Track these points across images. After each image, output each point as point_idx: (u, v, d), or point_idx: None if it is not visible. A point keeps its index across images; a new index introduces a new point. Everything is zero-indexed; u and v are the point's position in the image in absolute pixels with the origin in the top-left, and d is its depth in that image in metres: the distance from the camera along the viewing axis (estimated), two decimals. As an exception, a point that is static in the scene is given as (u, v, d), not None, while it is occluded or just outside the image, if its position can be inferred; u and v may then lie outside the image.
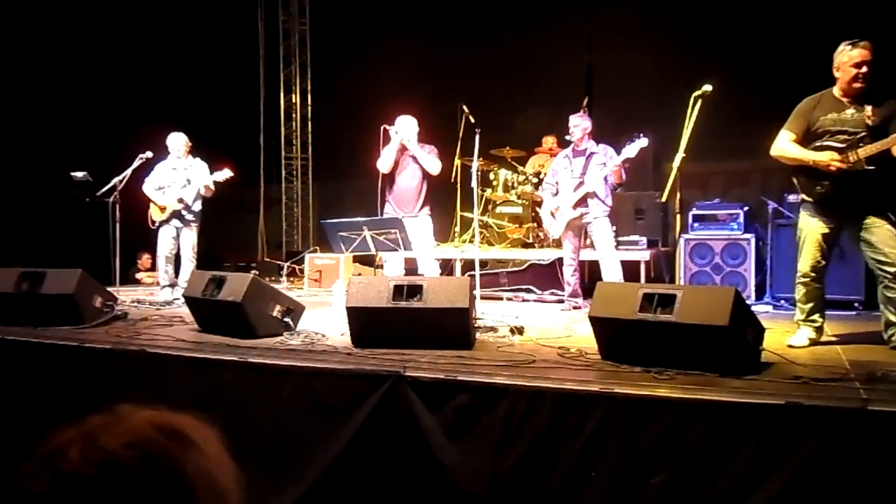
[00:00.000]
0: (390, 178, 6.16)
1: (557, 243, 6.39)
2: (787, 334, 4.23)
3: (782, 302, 5.93)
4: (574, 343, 4.13)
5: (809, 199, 4.09)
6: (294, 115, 11.17)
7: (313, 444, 3.45)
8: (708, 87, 4.64)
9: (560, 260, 6.35)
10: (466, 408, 3.22)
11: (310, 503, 3.39)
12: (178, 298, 6.46)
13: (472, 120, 7.49)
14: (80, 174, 6.89)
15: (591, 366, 3.54)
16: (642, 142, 5.66)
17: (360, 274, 7.57)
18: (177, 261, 6.72)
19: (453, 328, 3.99)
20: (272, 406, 3.60)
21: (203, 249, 7.19)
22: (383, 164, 6.08)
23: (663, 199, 4.85)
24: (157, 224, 6.69)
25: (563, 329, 4.87)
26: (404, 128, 6.07)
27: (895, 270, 3.86)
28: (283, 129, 11.14)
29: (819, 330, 4.17)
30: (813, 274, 4.10)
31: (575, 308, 5.99)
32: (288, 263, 9.27)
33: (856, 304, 5.71)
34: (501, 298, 6.99)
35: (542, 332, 4.62)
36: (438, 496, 3.20)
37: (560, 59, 8.69)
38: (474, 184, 5.89)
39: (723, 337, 3.19)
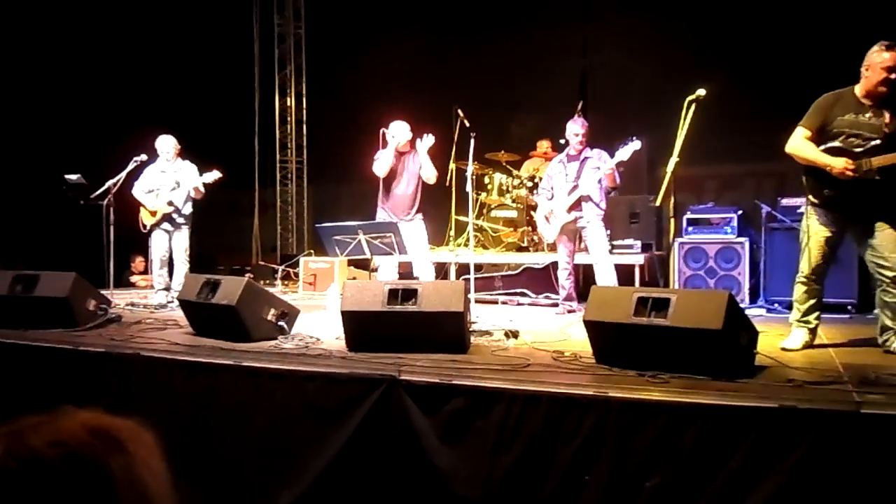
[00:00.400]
0: (385, 184, 6.16)
1: (552, 247, 6.40)
2: (780, 337, 4.24)
3: (776, 305, 5.95)
4: (569, 347, 4.13)
5: (816, 202, 4.07)
6: (289, 119, 11.16)
7: (308, 448, 3.45)
8: (702, 92, 4.65)
9: (554, 264, 6.36)
10: (461, 411, 3.23)
11: (304, 507, 3.39)
12: (172, 301, 6.45)
13: (468, 123, 7.50)
14: (73, 177, 6.87)
15: (586, 369, 3.55)
16: (635, 145, 5.68)
17: (354, 278, 7.57)
18: (170, 264, 6.70)
19: (448, 332, 3.99)
20: (267, 410, 3.60)
21: (197, 253, 7.17)
22: (380, 167, 6.08)
23: (657, 203, 4.85)
24: (148, 228, 6.67)
25: (558, 333, 4.87)
26: (399, 132, 6.07)
27: (894, 275, 3.86)
28: (277, 132, 11.12)
29: (813, 332, 4.18)
30: (814, 276, 4.11)
31: (569, 312, 5.99)
32: (282, 267, 9.25)
33: (849, 308, 5.73)
34: (496, 302, 6.99)
35: (537, 336, 4.62)
36: (433, 500, 3.20)
37: (555, 63, 8.71)
38: (469, 187, 5.89)
39: (717, 340, 3.20)
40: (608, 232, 6.16)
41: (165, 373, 3.92)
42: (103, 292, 5.51)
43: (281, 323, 4.59)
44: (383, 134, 6.08)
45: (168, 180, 6.61)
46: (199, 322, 4.81)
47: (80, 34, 9.45)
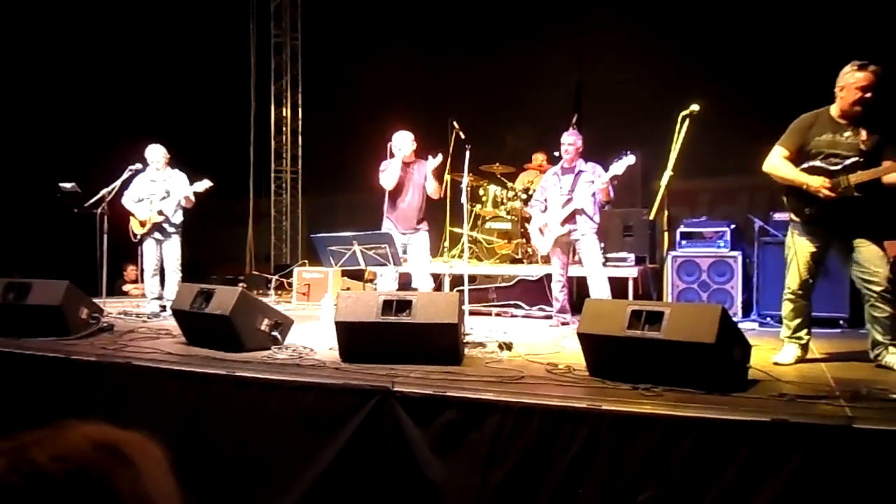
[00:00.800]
0: (391, 195, 6.17)
1: (546, 259, 6.41)
2: (773, 351, 4.26)
3: (768, 319, 5.97)
4: (562, 359, 4.14)
5: (798, 220, 4.12)
6: (284, 129, 11.18)
7: (300, 458, 3.43)
8: (695, 107, 4.70)
9: (548, 276, 6.37)
10: (454, 423, 3.22)
11: (296, 519, 3.37)
12: (164, 311, 6.43)
13: (463, 136, 7.53)
14: (68, 185, 6.86)
15: (580, 382, 3.55)
16: (629, 159, 5.71)
17: (348, 288, 7.56)
18: (161, 273, 6.69)
19: (442, 343, 3.99)
20: (259, 420, 3.58)
21: (190, 262, 7.16)
22: (387, 180, 6.09)
23: (651, 217, 4.89)
24: (138, 237, 6.66)
25: (552, 345, 4.88)
26: (402, 143, 6.09)
27: (881, 289, 3.89)
28: (273, 142, 11.15)
29: (804, 347, 4.20)
30: (800, 291, 4.13)
31: (563, 324, 6.00)
32: (276, 277, 9.24)
33: (841, 322, 5.75)
34: (490, 314, 7.00)
35: (531, 348, 4.63)
36: (426, 512, 3.19)
37: (550, 77, 8.77)
38: (464, 199, 5.91)
39: (710, 354, 3.21)
40: (602, 245, 6.18)
41: (158, 382, 3.90)
42: (96, 301, 5.48)
43: (274, 333, 4.59)
44: (390, 147, 6.10)
45: (158, 189, 6.61)
46: (191, 332, 4.80)
47: (76, 42, 9.46)
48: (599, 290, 5.81)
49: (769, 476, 2.66)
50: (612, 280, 6.05)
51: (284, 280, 9.14)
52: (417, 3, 9.46)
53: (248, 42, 10.78)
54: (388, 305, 4.03)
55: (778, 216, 6.28)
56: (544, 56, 8.73)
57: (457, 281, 6.96)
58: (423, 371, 3.74)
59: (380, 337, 4.01)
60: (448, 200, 7.93)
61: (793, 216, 4.14)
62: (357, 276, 7.79)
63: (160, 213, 6.55)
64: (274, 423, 3.55)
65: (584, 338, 3.68)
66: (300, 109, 11.19)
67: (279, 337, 4.60)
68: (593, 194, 5.91)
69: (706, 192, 8.19)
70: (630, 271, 6.58)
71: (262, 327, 4.56)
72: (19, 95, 9.13)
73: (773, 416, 2.77)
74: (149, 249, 6.66)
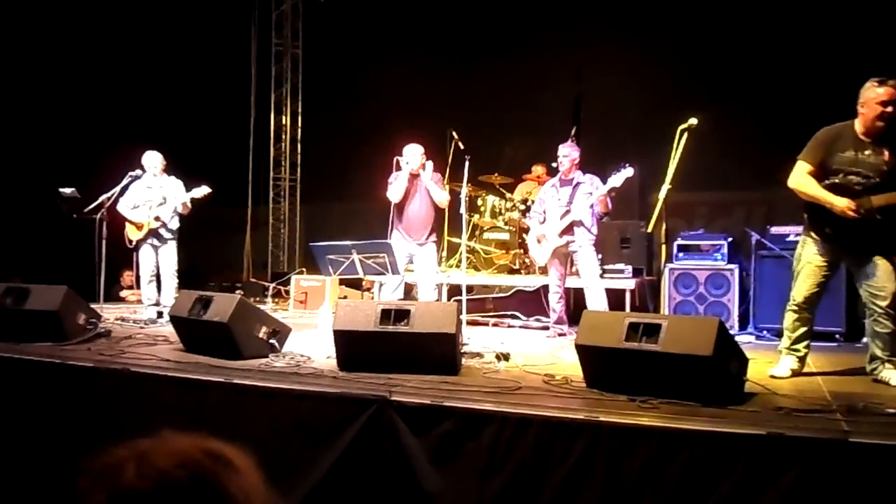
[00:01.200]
0: (399, 207, 6.20)
1: (543, 270, 6.42)
2: (769, 365, 4.27)
3: (765, 332, 5.99)
4: (560, 370, 4.15)
5: (817, 238, 4.06)
6: (284, 137, 11.20)
7: (297, 467, 3.43)
8: (694, 121, 4.74)
9: (546, 287, 6.39)
10: (452, 434, 3.22)
11: (292, 527, 3.37)
12: (161, 317, 6.43)
13: (462, 146, 7.56)
14: (68, 190, 6.87)
15: (577, 393, 3.56)
16: (628, 172, 5.73)
17: (346, 297, 7.57)
18: (158, 279, 6.68)
19: (440, 353, 3.99)
20: (257, 428, 3.58)
21: (188, 269, 7.16)
22: (394, 193, 6.14)
23: (649, 230, 4.91)
24: (133, 243, 6.65)
25: (549, 356, 4.89)
26: (412, 156, 6.13)
27: (886, 304, 3.89)
28: (272, 149, 11.16)
29: (802, 360, 4.20)
30: (805, 304, 4.13)
31: (560, 335, 6.01)
32: (273, 284, 9.23)
33: (837, 336, 5.77)
34: (487, 324, 7.01)
35: (528, 359, 4.63)
36: (422, 522, 3.19)
37: (549, 89, 8.81)
38: (463, 209, 5.93)
39: (707, 367, 3.22)
40: (599, 256, 6.20)
41: (154, 389, 3.90)
42: (93, 306, 5.48)
43: (272, 341, 4.59)
44: (397, 161, 6.14)
45: (155, 196, 6.61)
46: (189, 338, 4.80)
47: (77, 47, 9.49)
48: (597, 301, 5.82)
49: (766, 489, 2.67)
50: (610, 292, 6.06)
51: (282, 288, 9.14)
52: (418, 14, 9.50)
53: (249, 50, 10.82)
54: (386, 314, 4.04)
55: (775, 230, 6.31)
56: (544, 67, 8.77)
57: (454, 291, 6.97)
58: (421, 380, 3.74)
59: (378, 346, 4.02)
60: (447, 210, 7.95)
61: (812, 233, 4.09)
62: (355, 284, 7.81)
63: (157, 218, 6.55)
64: (271, 432, 3.54)
65: (581, 349, 3.69)
66: (300, 117, 11.21)
67: (277, 345, 4.61)
68: (591, 206, 5.93)
69: (703, 204, 8.23)
70: (627, 283, 6.59)
71: (261, 335, 4.56)
72: (19, 101, 9.15)
73: (770, 429, 2.78)
74: (145, 255, 6.66)
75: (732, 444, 2.77)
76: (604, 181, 5.87)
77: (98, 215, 6.43)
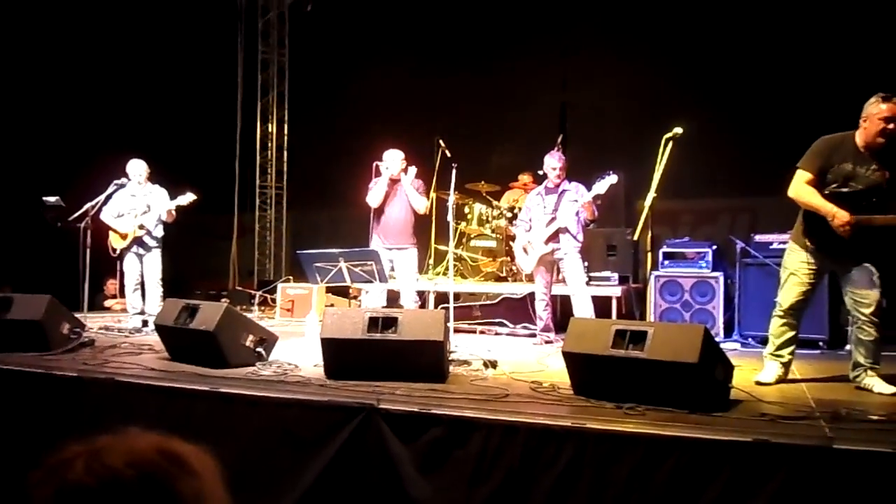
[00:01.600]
0: (378, 212, 6.23)
1: (530, 278, 6.45)
2: (754, 371, 4.30)
3: (750, 340, 6.02)
4: (547, 377, 4.16)
5: (811, 246, 4.06)
6: (270, 144, 11.19)
7: (284, 476, 3.42)
8: (679, 130, 4.78)
9: (532, 294, 6.41)
10: (439, 441, 3.23)
11: (279, 537, 3.35)
12: (147, 326, 6.38)
13: (449, 154, 7.59)
14: (52, 199, 6.82)
15: (564, 400, 3.57)
16: (612, 179, 5.77)
17: (332, 305, 7.55)
18: (143, 287, 6.64)
19: (427, 361, 4.00)
20: (243, 437, 3.56)
21: (173, 277, 7.12)
22: (373, 198, 6.16)
23: (635, 238, 4.94)
24: (117, 252, 6.61)
25: (536, 363, 4.90)
26: (392, 161, 6.15)
27: (870, 312, 3.92)
28: (258, 157, 11.14)
29: (786, 366, 4.23)
30: (791, 311, 4.16)
31: (547, 342, 6.03)
32: (260, 292, 9.20)
33: (820, 343, 5.82)
34: (474, 331, 7.01)
35: (515, 366, 4.64)
36: (410, 530, 3.18)
37: (535, 97, 8.86)
38: (450, 217, 5.94)
39: (692, 374, 3.25)
40: (586, 264, 6.23)
41: (140, 398, 3.87)
42: (77, 315, 5.44)
43: (259, 349, 4.57)
44: (377, 166, 6.15)
45: (139, 204, 6.58)
46: (175, 347, 4.77)
47: (62, 55, 9.44)
48: (583, 308, 5.84)
49: (751, 496, 2.69)
50: (596, 299, 6.08)
51: (268, 296, 9.10)
52: (404, 22, 9.54)
53: (236, 58, 10.81)
54: (373, 322, 4.04)
55: (759, 237, 6.36)
56: (530, 76, 8.83)
57: (441, 298, 6.97)
58: (408, 388, 3.74)
59: (365, 354, 4.02)
60: (434, 218, 7.96)
61: (807, 241, 4.09)
62: (342, 292, 7.80)
63: (141, 227, 6.51)
64: (258, 440, 3.53)
65: (568, 356, 3.70)
66: (286, 125, 11.21)
67: (264, 353, 4.59)
68: (577, 213, 5.96)
69: (688, 212, 8.30)
70: (613, 290, 6.62)
71: (247, 343, 4.54)
72: (3, 108, 9.07)
73: (755, 436, 2.80)
74: (130, 264, 6.62)
75: (718, 451, 2.79)
76: (589, 189, 5.90)
77: (82, 224, 6.38)
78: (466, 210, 7.99)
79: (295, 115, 11.17)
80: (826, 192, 3.98)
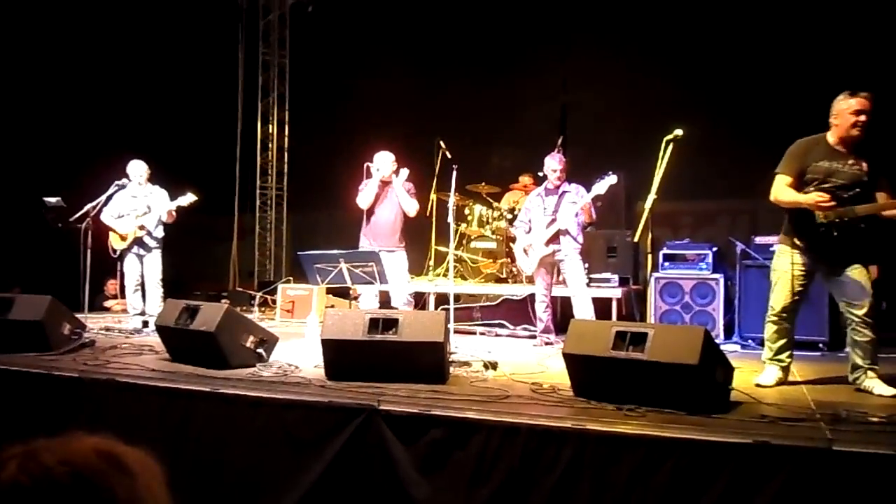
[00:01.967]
0: (368, 212, 6.23)
1: (530, 279, 6.45)
2: (754, 373, 4.30)
3: (750, 341, 6.03)
4: (547, 379, 4.16)
5: (801, 245, 4.10)
6: (270, 146, 11.19)
7: (284, 477, 3.42)
8: (679, 132, 4.79)
9: (532, 296, 6.41)
10: (440, 442, 3.23)
11: (279, 538, 3.35)
12: (147, 326, 6.39)
13: (449, 155, 7.60)
14: (53, 200, 6.82)
15: (564, 402, 3.57)
16: (611, 179, 5.78)
17: (332, 305, 7.55)
18: (143, 288, 6.64)
19: (428, 362, 4.00)
20: (243, 438, 3.57)
21: (174, 277, 7.12)
22: (364, 200, 6.16)
23: (635, 239, 4.94)
24: (118, 253, 6.61)
25: (536, 365, 4.90)
26: (383, 163, 6.14)
27: (863, 313, 3.94)
28: (259, 158, 11.15)
29: (786, 370, 4.24)
30: (784, 314, 4.18)
31: (547, 344, 6.03)
32: (260, 293, 9.20)
33: (821, 346, 5.82)
34: (474, 333, 7.01)
35: (515, 368, 4.64)
36: (410, 532, 3.18)
37: (535, 99, 8.87)
38: (450, 218, 5.94)
39: (693, 376, 3.25)
40: (586, 265, 6.23)
41: (141, 399, 3.87)
42: (78, 316, 5.44)
43: (259, 350, 4.57)
44: (367, 167, 6.15)
45: (139, 205, 6.58)
46: (176, 348, 4.77)
47: (63, 56, 9.44)
48: (583, 310, 5.85)
49: (751, 497, 2.69)
50: (596, 301, 6.09)
51: (268, 297, 9.11)
52: (405, 24, 9.54)
53: (237, 59, 10.82)
54: (374, 324, 4.04)
55: (759, 240, 6.37)
56: (530, 78, 8.84)
57: (442, 299, 6.98)
58: (409, 389, 3.74)
59: (366, 355, 4.02)
60: (434, 219, 7.97)
61: (795, 240, 4.13)
62: (342, 293, 7.80)
63: (142, 227, 6.52)
64: (259, 441, 3.53)
65: (569, 358, 3.70)
66: (286, 127, 11.22)
67: (264, 354, 4.59)
68: (577, 214, 5.97)
69: (688, 214, 8.30)
70: (614, 292, 6.63)
71: (248, 344, 4.54)
72: (4, 109, 9.07)
73: (756, 437, 2.80)
74: (130, 265, 6.62)
75: (718, 453, 2.79)
76: (588, 190, 5.91)
77: (83, 225, 6.39)
78: (467, 211, 7.99)
79: (295, 116, 11.18)
80: (808, 190, 4.04)
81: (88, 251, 6.41)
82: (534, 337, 6.37)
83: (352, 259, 5.08)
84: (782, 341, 4.19)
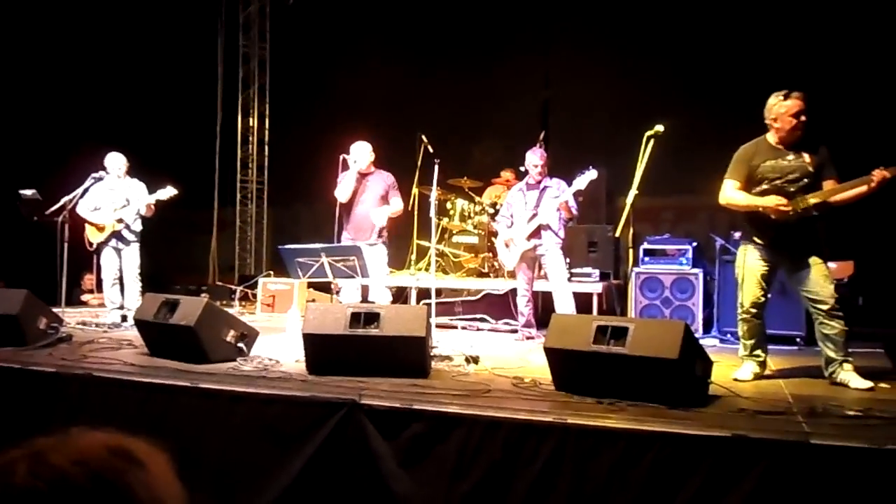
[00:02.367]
0: (347, 207, 6.17)
1: (512, 274, 6.47)
2: (733, 367, 4.35)
3: (728, 336, 6.09)
4: (528, 373, 4.17)
5: (762, 242, 4.20)
6: (251, 139, 11.10)
7: (265, 472, 3.41)
8: (660, 128, 4.81)
9: (514, 290, 6.42)
10: (421, 436, 3.24)
11: (260, 533, 3.34)
12: (125, 321, 6.32)
13: (431, 150, 7.58)
14: (28, 192, 6.71)
15: (545, 396, 3.60)
16: (591, 174, 5.80)
17: (314, 300, 7.52)
18: (121, 282, 6.57)
19: (410, 356, 4.00)
20: (224, 433, 3.55)
21: (153, 271, 7.04)
22: (342, 192, 6.10)
23: (616, 235, 4.96)
24: (94, 246, 6.53)
25: (518, 359, 4.92)
26: (360, 155, 6.09)
27: (828, 307, 4.01)
28: (239, 151, 11.05)
29: (762, 364, 4.30)
30: (754, 310, 4.25)
31: (528, 338, 6.05)
32: (240, 287, 9.14)
33: (797, 340, 5.89)
34: (456, 327, 7.02)
35: (497, 362, 4.65)
36: (391, 526, 3.18)
37: (517, 94, 8.87)
38: (432, 213, 5.93)
39: (672, 370, 3.28)
40: (567, 260, 6.26)
41: (119, 394, 3.84)
42: (54, 310, 5.37)
43: (240, 345, 4.55)
44: (343, 159, 6.09)
45: (117, 198, 6.50)
46: (155, 342, 4.73)
47: (40, 47, 9.30)
48: (565, 304, 5.87)
49: (730, 490, 2.72)
50: (577, 295, 6.11)
51: (249, 291, 9.05)
52: (386, 17, 9.50)
53: (216, 51, 10.71)
54: (356, 318, 4.04)
55: (739, 235, 6.42)
56: (512, 72, 8.83)
57: (423, 294, 6.98)
58: (391, 384, 3.74)
59: (347, 349, 4.01)
60: (416, 213, 7.96)
61: (756, 238, 4.23)
62: (323, 287, 7.77)
63: (120, 220, 6.44)
64: (239, 436, 3.52)
65: (550, 352, 3.72)
66: (267, 119, 11.13)
67: (245, 349, 4.57)
68: (558, 209, 5.98)
69: (669, 209, 8.35)
70: (594, 287, 6.66)
71: (228, 339, 4.52)
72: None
73: (734, 431, 2.84)
74: (108, 258, 6.54)
75: (697, 446, 2.82)
76: (569, 185, 5.92)
77: (59, 218, 6.30)
78: (448, 206, 7.98)
79: (276, 109, 11.10)
80: (758, 190, 4.16)
81: (66, 245, 6.31)
82: (515, 331, 6.39)
83: (333, 253, 5.06)
84: (755, 338, 4.28)
